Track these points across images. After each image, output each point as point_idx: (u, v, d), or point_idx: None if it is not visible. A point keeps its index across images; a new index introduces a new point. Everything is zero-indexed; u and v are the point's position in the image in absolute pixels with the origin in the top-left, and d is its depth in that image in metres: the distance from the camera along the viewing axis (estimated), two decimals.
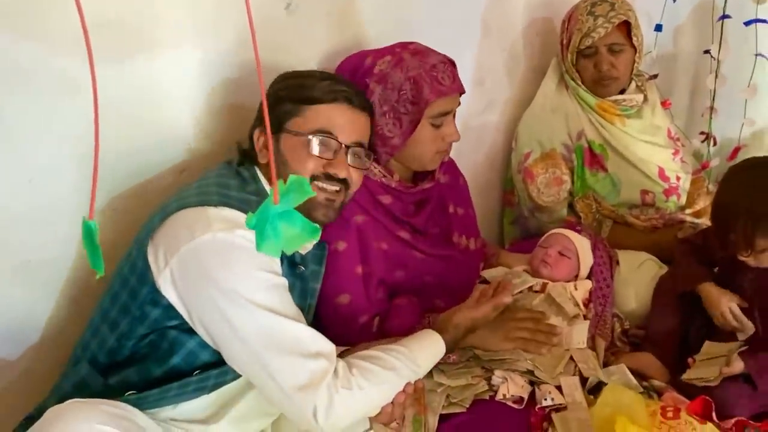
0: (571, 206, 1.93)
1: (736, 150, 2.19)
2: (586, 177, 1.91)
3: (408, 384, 1.20)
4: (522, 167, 1.95)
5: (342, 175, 1.21)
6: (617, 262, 1.77)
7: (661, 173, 1.91)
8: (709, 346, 1.47)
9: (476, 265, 1.63)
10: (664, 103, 2.07)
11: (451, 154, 1.74)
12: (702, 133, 2.23)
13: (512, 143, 2.03)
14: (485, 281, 1.63)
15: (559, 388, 1.37)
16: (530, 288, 1.59)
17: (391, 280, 1.44)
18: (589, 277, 1.67)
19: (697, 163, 2.17)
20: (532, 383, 1.38)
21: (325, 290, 1.38)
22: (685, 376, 1.45)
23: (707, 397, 1.36)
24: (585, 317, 1.54)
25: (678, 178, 1.94)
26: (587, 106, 1.90)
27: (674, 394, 1.45)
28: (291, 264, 1.23)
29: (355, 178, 1.25)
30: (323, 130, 1.19)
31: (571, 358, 1.44)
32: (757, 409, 1.39)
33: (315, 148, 1.19)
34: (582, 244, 1.67)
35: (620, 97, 1.91)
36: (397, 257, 1.44)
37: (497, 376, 1.36)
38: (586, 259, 1.67)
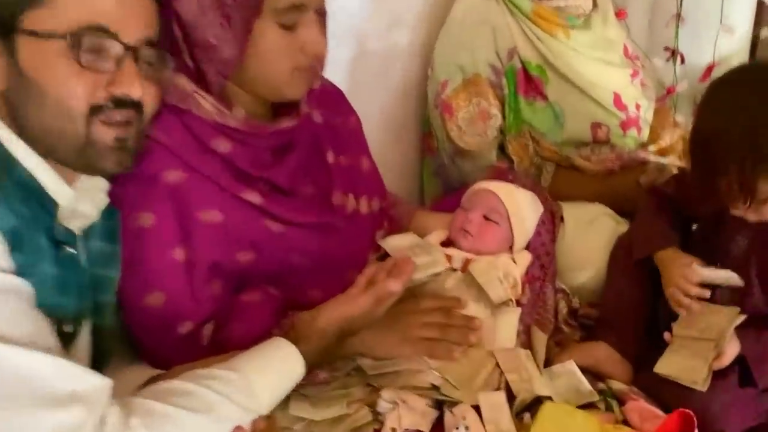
0: (502, 148, 1.48)
1: (710, 69, 1.76)
2: (521, 108, 1.46)
3: (238, 429, 0.77)
4: (439, 100, 1.49)
5: (136, 94, 0.78)
6: (561, 219, 1.34)
7: (617, 101, 1.48)
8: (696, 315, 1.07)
9: (370, 236, 1.18)
10: (618, 14, 1.63)
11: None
12: (666, 49, 1.79)
13: (428, 71, 1.56)
14: (386, 256, 1.17)
15: (478, 408, 0.95)
16: (447, 269, 1.15)
17: (233, 266, 0.98)
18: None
19: (661, 88, 1.74)
20: (439, 405, 0.96)
21: (127, 286, 0.92)
22: (659, 368, 1.04)
23: (687, 411, 0.95)
24: (518, 303, 1.12)
25: (638, 107, 1.51)
26: (520, 13, 1.44)
27: (641, 403, 1.05)
28: (54, 244, 0.77)
29: (150, 98, 0.81)
30: (92, 24, 0.74)
31: (497, 364, 1.01)
32: (753, 420, 1.00)
33: (84, 57, 0.74)
34: (516, 202, 1.22)
35: (563, 2, 1.45)
36: (242, 232, 0.98)
37: (385, 400, 0.93)
38: (524, 223, 1.22)
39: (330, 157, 1.11)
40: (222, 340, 0.95)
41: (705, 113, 0.96)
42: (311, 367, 0.91)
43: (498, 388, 0.98)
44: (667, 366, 1.05)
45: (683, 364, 1.03)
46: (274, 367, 0.84)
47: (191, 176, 0.95)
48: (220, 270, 0.96)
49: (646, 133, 1.53)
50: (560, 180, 1.44)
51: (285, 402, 0.91)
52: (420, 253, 1.15)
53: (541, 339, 1.07)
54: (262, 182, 1.01)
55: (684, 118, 1.70)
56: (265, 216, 1.00)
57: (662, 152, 1.52)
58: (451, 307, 1.06)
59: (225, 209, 0.96)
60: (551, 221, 1.32)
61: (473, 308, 1.08)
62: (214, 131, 0.97)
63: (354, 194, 1.14)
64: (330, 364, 0.97)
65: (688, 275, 1.04)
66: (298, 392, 0.92)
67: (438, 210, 1.36)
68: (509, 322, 1.06)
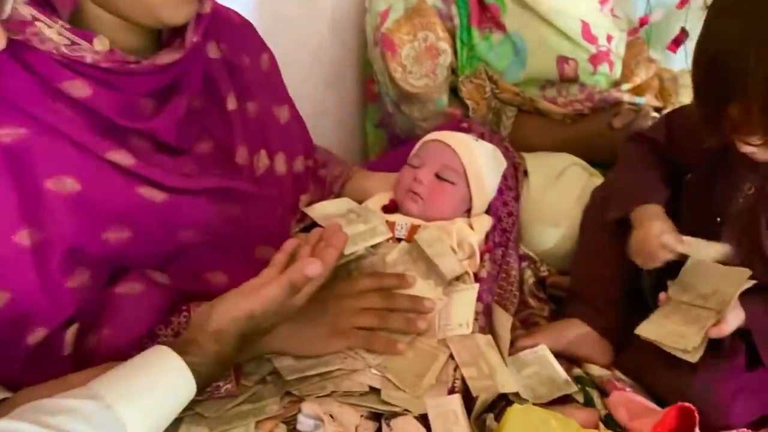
0: (454, 91, 1.25)
1: None
2: (475, 43, 1.23)
3: None
4: (378, 35, 1.25)
5: None
6: (525, 173, 1.14)
7: (586, 31, 1.26)
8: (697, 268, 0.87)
9: (290, 202, 0.95)
10: None
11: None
12: None
13: (365, 0, 1.31)
14: (314, 226, 0.95)
15: (426, 418, 0.74)
16: (390, 239, 0.94)
17: (100, 249, 0.74)
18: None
19: (633, 19, 1.52)
20: (377, 417, 0.75)
21: None
22: (641, 331, 0.86)
23: (687, 405, 0.77)
24: (476, 277, 0.91)
25: (609, 38, 1.29)
26: None
27: (627, 394, 0.86)
28: None
29: None
30: None
31: (451, 356, 0.81)
32: (763, 409, 0.82)
33: None
34: (474, 157, 1.00)
35: None
36: (109, 204, 0.74)
37: (305, 415, 0.71)
38: (485, 181, 1.01)
39: (231, 103, 0.87)
40: (90, 348, 0.73)
41: (716, 22, 0.74)
42: (209, 381, 0.69)
43: (453, 387, 0.78)
44: (652, 329, 0.85)
45: (672, 329, 0.84)
46: (151, 389, 0.62)
47: (35, 133, 0.70)
48: (82, 255, 0.72)
49: (618, 70, 1.32)
50: (522, 127, 1.23)
51: (175, 426, 0.70)
52: (356, 220, 0.93)
53: (504, 321, 0.86)
54: (136, 137, 0.77)
55: (659, 54, 1.50)
56: (139, 182, 0.76)
57: (637, 91, 1.32)
58: (394, 286, 0.85)
59: (83, 175, 0.72)
60: (514, 176, 1.11)
61: (422, 286, 0.87)
62: (64, 70, 0.72)
63: (267, 150, 0.91)
64: (236, 373, 0.75)
65: (656, 252, 0.85)
66: (193, 410, 0.71)
67: (381, 168, 1.14)
68: (466, 302, 0.85)
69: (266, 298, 0.68)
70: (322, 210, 0.97)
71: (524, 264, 1.06)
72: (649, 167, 0.94)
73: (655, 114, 1.30)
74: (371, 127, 1.44)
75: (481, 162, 1.00)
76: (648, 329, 0.85)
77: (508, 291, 0.98)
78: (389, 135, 1.40)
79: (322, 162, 1.09)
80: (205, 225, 0.81)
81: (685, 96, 1.39)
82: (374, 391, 0.76)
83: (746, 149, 0.75)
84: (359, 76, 1.44)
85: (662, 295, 0.85)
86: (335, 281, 0.84)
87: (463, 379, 0.79)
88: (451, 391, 0.76)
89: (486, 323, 0.87)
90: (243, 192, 0.85)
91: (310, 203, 0.99)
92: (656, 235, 0.86)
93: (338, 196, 1.04)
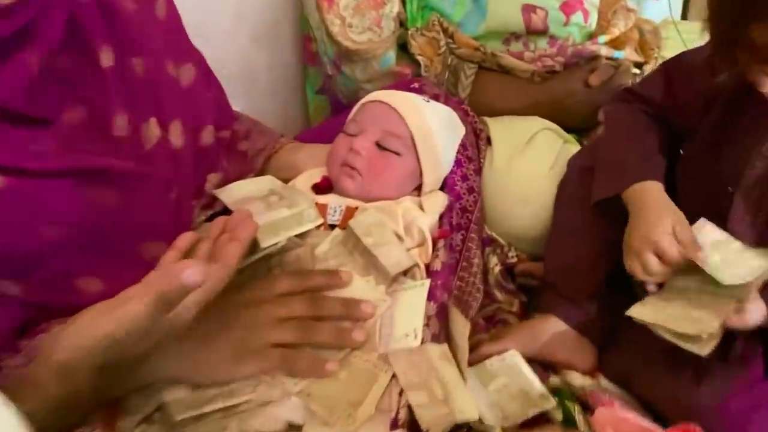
0: (404, 48, 1.06)
1: None
2: None
3: None
4: None
5: None
6: (488, 141, 0.96)
7: None
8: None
9: (193, 184, 0.76)
10: None
11: None
12: None
13: None
14: (227, 213, 0.75)
15: None
16: (321, 226, 0.75)
17: None
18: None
19: None
20: None
21: None
22: (635, 312, 0.69)
23: (693, 428, 0.61)
24: (428, 270, 0.73)
25: None
26: None
27: (616, 409, 0.70)
28: None
29: None
30: None
31: (394, 376, 0.63)
32: None
33: None
34: (425, 121, 0.82)
35: None
36: None
37: None
38: (438, 151, 0.83)
39: (105, 59, 0.67)
40: None
41: None
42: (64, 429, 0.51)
43: (396, 418, 0.60)
44: (648, 312, 0.68)
45: (677, 312, 0.66)
46: None
47: None
48: None
49: (594, 20, 1.15)
50: (484, 87, 1.04)
51: None
52: (278, 204, 0.75)
53: (462, 326, 0.69)
54: None
55: (636, 3, 1.33)
56: None
57: (615, 44, 1.15)
58: (324, 287, 0.67)
59: None
60: (475, 145, 0.94)
61: (359, 286, 0.69)
62: None
63: (159, 119, 0.71)
64: (111, 408, 0.57)
65: (669, 255, 0.68)
66: None
67: (317, 139, 0.95)
68: (414, 304, 0.68)
69: (128, 316, 0.49)
70: (236, 192, 0.78)
71: (488, 249, 0.89)
72: (644, 133, 0.77)
73: (636, 70, 1.14)
74: (312, 93, 1.24)
75: (434, 127, 0.82)
76: (644, 312, 0.68)
77: (470, 283, 0.81)
78: (333, 102, 1.21)
79: (243, 133, 0.89)
80: (71, 217, 0.62)
81: (669, 50, 1.22)
82: (294, 428, 0.58)
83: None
84: (295, 33, 1.24)
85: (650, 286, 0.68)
86: (246, 285, 0.66)
87: (409, 407, 0.61)
88: (394, 425, 0.59)
89: (441, 329, 0.70)
90: (122, 172, 0.65)
91: (222, 184, 0.80)
92: (666, 232, 0.68)
93: (261, 173, 0.86)
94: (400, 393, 0.62)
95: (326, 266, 0.72)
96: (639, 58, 1.16)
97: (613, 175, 0.76)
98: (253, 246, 0.74)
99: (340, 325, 0.65)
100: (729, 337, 0.65)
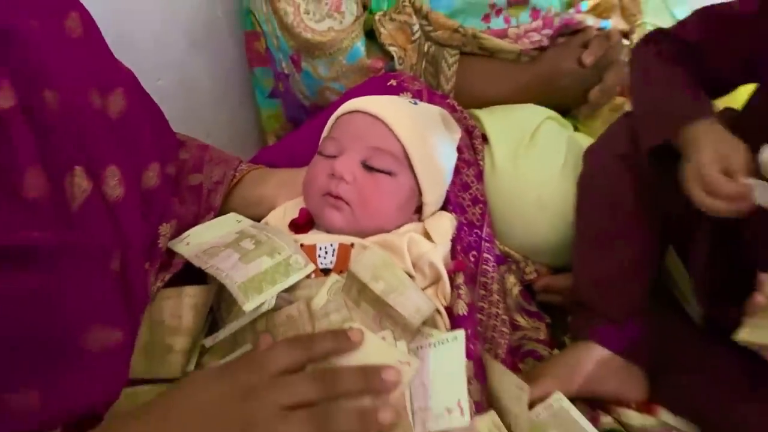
0: (371, 36, 0.91)
1: None
2: None
3: None
4: None
5: None
6: (484, 139, 0.83)
7: None
8: None
9: (137, 246, 0.58)
10: None
11: None
12: None
13: None
14: (186, 273, 0.59)
15: None
16: (309, 274, 0.60)
17: None
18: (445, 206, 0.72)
19: None
20: None
21: None
22: (743, 336, 0.56)
23: None
24: (450, 315, 0.59)
25: None
26: None
27: None
28: None
29: None
30: None
31: None
32: None
33: None
34: (417, 130, 0.67)
35: None
36: None
37: None
38: (437, 164, 0.68)
39: (2, 99, 0.50)
40: None
41: None
42: None
43: None
44: (760, 333, 0.56)
45: None
46: None
47: None
48: None
49: None
50: (466, 74, 0.91)
51: None
52: (254, 252, 0.60)
53: (514, 387, 0.55)
54: None
55: None
56: None
57: (599, 13, 1.03)
58: (330, 353, 0.53)
59: None
60: (470, 146, 0.80)
61: (375, 345, 0.54)
62: None
63: (85, 167, 0.54)
64: None
65: (733, 162, 0.56)
66: None
67: (283, 157, 0.80)
68: (450, 365, 0.54)
69: None
70: (196, 240, 0.62)
71: (503, 267, 0.76)
72: (684, 71, 0.64)
73: (625, 41, 1.02)
74: (263, 98, 1.08)
75: (428, 135, 0.68)
76: (753, 334, 0.56)
77: (492, 316, 0.67)
78: (289, 107, 1.05)
79: (193, 164, 0.73)
80: None
81: (652, 15, 1.11)
82: None
83: None
84: (236, 30, 1.07)
85: (759, 297, 0.56)
86: (235, 362, 0.51)
87: None
88: None
89: (481, 388, 0.56)
90: (44, 246, 0.48)
91: (178, 233, 0.63)
92: (734, 151, 0.57)
93: (222, 213, 0.69)
94: None
95: (328, 324, 0.57)
96: (625, 27, 1.05)
97: (660, 121, 0.63)
98: (231, 310, 0.59)
99: (361, 406, 0.50)
100: None
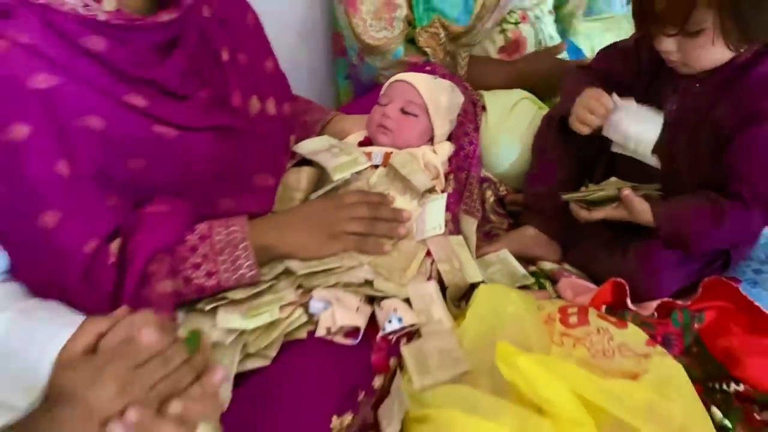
0: (411, 42, 1.40)
1: None
2: None
3: None
4: None
5: None
6: (483, 108, 1.30)
7: None
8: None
9: (282, 140, 1.09)
10: None
11: None
12: None
13: None
14: (305, 162, 1.09)
15: (409, 301, 0.91)
16: (369, 167, 1.08)
17: (123, 176, 0.87)
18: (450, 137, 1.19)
19: None
20: (371, 300, 0.91)
21: (6, 212, 0.80)
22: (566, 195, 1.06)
23: (619, 279, 0.95)
24: (443, 191, 1.07)
25: None
26: None
27: (572, 279, 1.05)
28: None
29: None
30: None
31: (428, 253, 0.97)
32: (681, 282, 1.01)
33: None
34: (433, 92, 1.16)
35: None
36: (128, 138, 0.87)
37: (317, 300, 0.87)
38: (444, 113, 1.16)
39: (224, 55, 1.00)
40: (128, 255, 0.86)
41: None
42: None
43: (430, 277, 0.94)
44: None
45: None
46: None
47: (64, 80, 0.82)
48: (108, 181, 0.85)
49: None
50: (476, 67, 1.38)
51: (212, 314, 0.84)
52: (339, 153, 1.08)
53: (470, 225, 1.03)
54: (146, 84, 0.89)
55: None
56: (153, 120, 0.88)
57: None
58: (378, 202, 1.01)
59: (106, 115, 0.85)
60: (473, 112, 1.27)
61: (400, 201, 1.03)
62: (81, 28, 0.83)
63: (258, 96, 1.04)
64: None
65: (601, 97, 0.99)
66: (226, 300, 0.86)
67: (352, 112, 1.29)
68: (437, 209, 1.01)
69: None
70: (308, 146, 1.11)
71: (485, 185, 1.22)
72: (590, 78, 1.08)
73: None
74: (342, 78, 1.58)
75: (440, 96, 1.16)
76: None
77: (471, 207, 1.14)
78: (356, 85, 1.54)
79: (304, 109, 1.22)
80: (209, 157, 0.94)
81: None
82: (368, 282, 0.92)
83: (663, 46, 0.90)
84: (328, 33, 1.57)
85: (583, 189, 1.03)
86: (328, 198, 0.99)
87: (438, 272, 0.95)
88: (428, 280, 0.93)
89: (455, 229, 1.04)
90: (240, 130, 0.98)
91: (296, 142, 1.13)
92: (594, 93, 1.00)
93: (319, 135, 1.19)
94: (432, 263, 0.96)
95: (376, 191, 1.05)
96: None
97: (567, 101, 1.06)
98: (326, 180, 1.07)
99: (391, 224, 0.98)
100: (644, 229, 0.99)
